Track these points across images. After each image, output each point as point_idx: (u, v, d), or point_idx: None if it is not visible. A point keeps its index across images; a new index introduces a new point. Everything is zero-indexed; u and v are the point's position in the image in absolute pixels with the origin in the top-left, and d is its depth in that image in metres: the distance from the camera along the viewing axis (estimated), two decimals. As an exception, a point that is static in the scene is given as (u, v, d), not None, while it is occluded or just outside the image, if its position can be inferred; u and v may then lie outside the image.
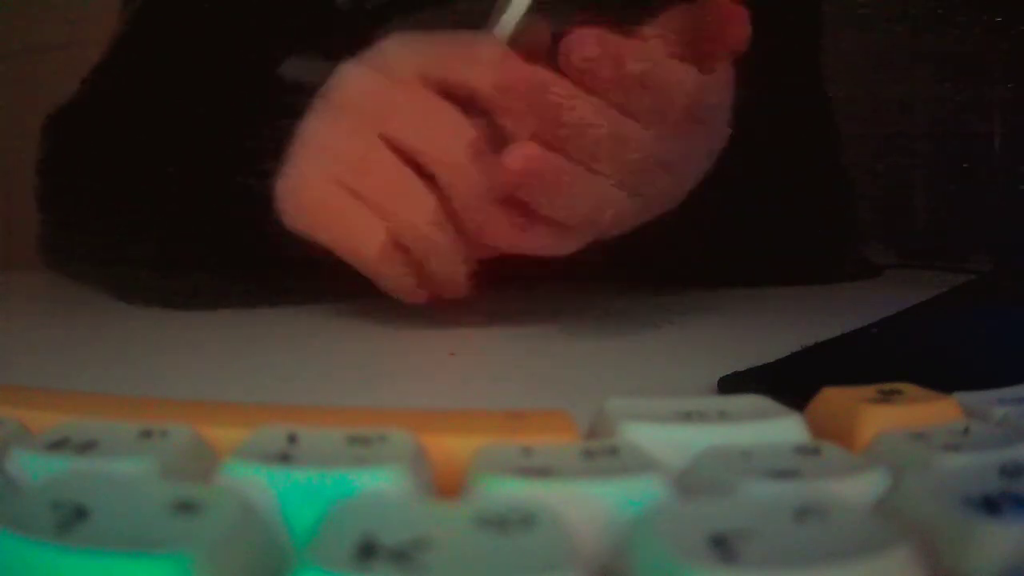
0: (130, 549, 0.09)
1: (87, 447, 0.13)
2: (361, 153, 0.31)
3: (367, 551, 0.10)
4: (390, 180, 0.31)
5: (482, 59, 0.30)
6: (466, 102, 0.31)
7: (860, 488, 0.12)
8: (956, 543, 0.10)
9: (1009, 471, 0.12)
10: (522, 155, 0.28)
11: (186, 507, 0.11)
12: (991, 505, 0.11)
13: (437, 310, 0.36)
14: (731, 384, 0.23)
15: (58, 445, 0.13)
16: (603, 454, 0.13)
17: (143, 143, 0.40)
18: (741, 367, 0.24)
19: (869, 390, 0.16)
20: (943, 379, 0.16)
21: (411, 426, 0.14)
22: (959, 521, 0.11)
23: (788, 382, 0.23)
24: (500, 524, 0.10)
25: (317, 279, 0.36)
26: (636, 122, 0.29)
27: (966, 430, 0.14)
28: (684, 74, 0.29)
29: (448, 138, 0.30)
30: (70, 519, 0.10)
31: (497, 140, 0.30)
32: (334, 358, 0.31)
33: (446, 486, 0.13)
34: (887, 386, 0.16)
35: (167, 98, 0.40)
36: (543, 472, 0.12)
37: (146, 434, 0.13)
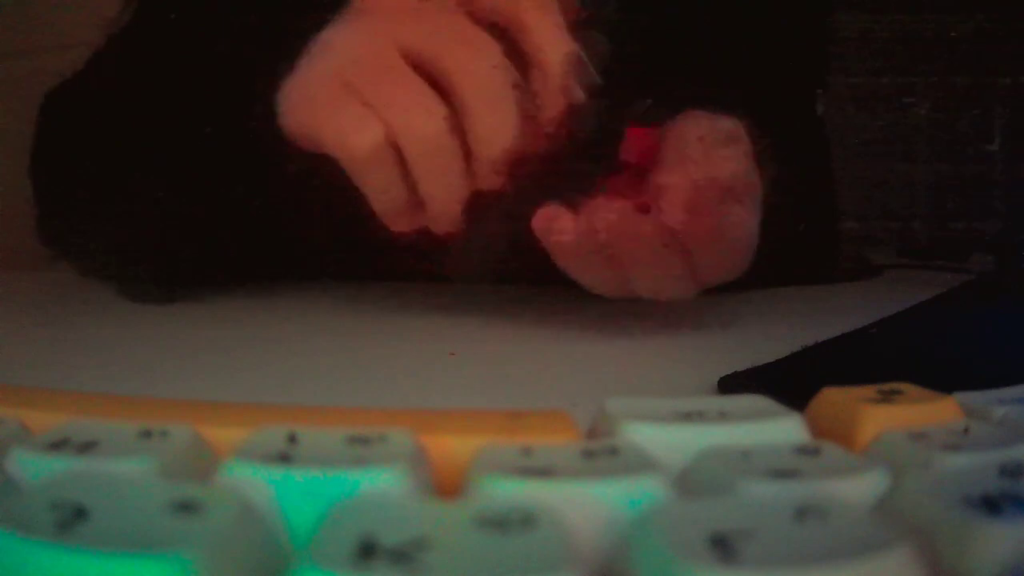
0: (130, 549, 0.09)
1: (87, 447, 0.13)
2: (373, 54, 0.30)
3: (367, 551, 0.10)
4: (398, 83, 0.30)
5: None
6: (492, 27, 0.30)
7: (860, 488, 0.12)
8: (956, 543, 0.10)
9: (1009, 471, 0.12)
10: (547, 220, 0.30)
11: (186, 507, 0.11)
12: (991, 505, 0.11)
13: (419, 246, 0.34)
14: (731, 384, 0.23)
15: (58, 445, 0.13)
16: (603, 454, 0.13)
17: (143, 123, 0.39)
18: (741, 367, 0.24)
19: (869, 390, 0.16)
20: (943, 379, 0.16)
21: (411, 426, 0.14)
22: (959, 521, 0.11)
23: (788, 382, 0.23)
24: (500, 524, 0.10)
25: (316, 254, 0.36)
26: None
27: (966, 430, 0.14)
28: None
29: (471, 53, 0.29)
30: (70, 519, 0.10)
31: (519, 65, 0.30)
32: (334, 358, 0.31)
33: (446, 486, 0.13)
34: (887, 386, 0.16)
35: (168, 84, 0.39)
36: (543, 472, 0.12)
37: (146, 434, 0.13)
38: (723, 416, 0.15)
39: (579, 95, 0.30)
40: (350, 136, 0.30)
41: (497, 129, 0.29)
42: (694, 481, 0.13)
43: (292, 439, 0.13)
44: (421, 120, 0.29)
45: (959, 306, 0.35)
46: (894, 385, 0.16)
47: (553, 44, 0.29)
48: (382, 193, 0.31)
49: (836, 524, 0.10)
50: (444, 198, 0.31)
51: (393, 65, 0.30)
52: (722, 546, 0.10)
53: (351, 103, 0.30)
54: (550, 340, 0.33)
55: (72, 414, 0.14)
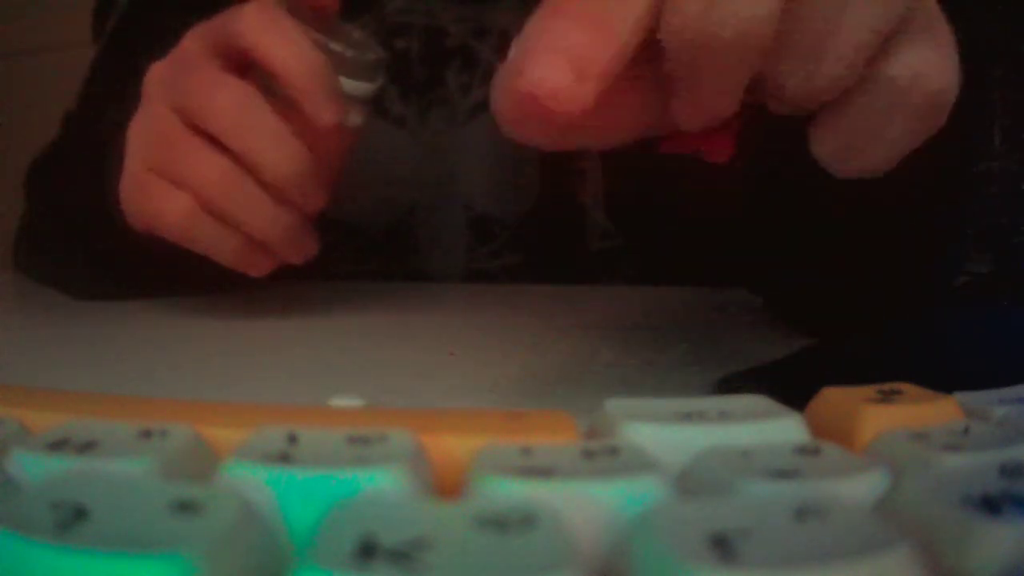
0: (130, 549, 0.09)
1: (87, 447, 0.13)
2: (160, 132, 0.32)
3: (367, 551, 0.10)
4: (183, 150, 0.32)
5: (254, 22, 0.31)
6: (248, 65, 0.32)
7: (860, 488, 0.12)
8: (956, 543, 0.10)
9: (1009, 471, 0.12)
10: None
11: (186, 507, 0.11)
12: (991, 505, 0.11)
13: (297, 277, 0.36)
14: (731, 384, 0.23)
15: (58, 445, 0.13)
16: (603, 454, 0.13)
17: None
18: (741, 367, 0.24)
19: (869, 390, 0.16)
20: (943, 379, 0.16)
21: (411, 426, 0.14)
22: (959, 521, 0.11)
23: (788, 382, 0.23)
24: (500, 524, 0.10)
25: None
26: None
27: (966, 430, 0.14)
28: None
29: (225, 100, 0.31)
30: (70, 519, 0.10)
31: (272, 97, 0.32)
32: (334, 358, 0.31)
33: (446, 486, 0.13)
34: (887, 386, 0.16)
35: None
36: (543, 472, 0.12)
37: (146, 434, 0.13)
38: (723, 416, 0.15)
39: (338, 93, 0.32)
40: (164, 213, 0.32)
41: (276, 155, 0.32)
42: (694, 481, 0.13)
43: (292, 439, 0.13)
44: (215, 174, 0.32)
45: (959, 306, 0.35)
46: (894, 385, 0.16)
47: (285, 58, 0.31)
48: (218, 249, 0.33)
49: (836, 524, 0.10)
50: (273, 231, 0.33)
51: (178, 136, 0.32)
52: (722, 546, 0.10)
53: (157, 184, 0.33)
54: (549, 340, 0.33)
55: (72, 414, 0.14)
